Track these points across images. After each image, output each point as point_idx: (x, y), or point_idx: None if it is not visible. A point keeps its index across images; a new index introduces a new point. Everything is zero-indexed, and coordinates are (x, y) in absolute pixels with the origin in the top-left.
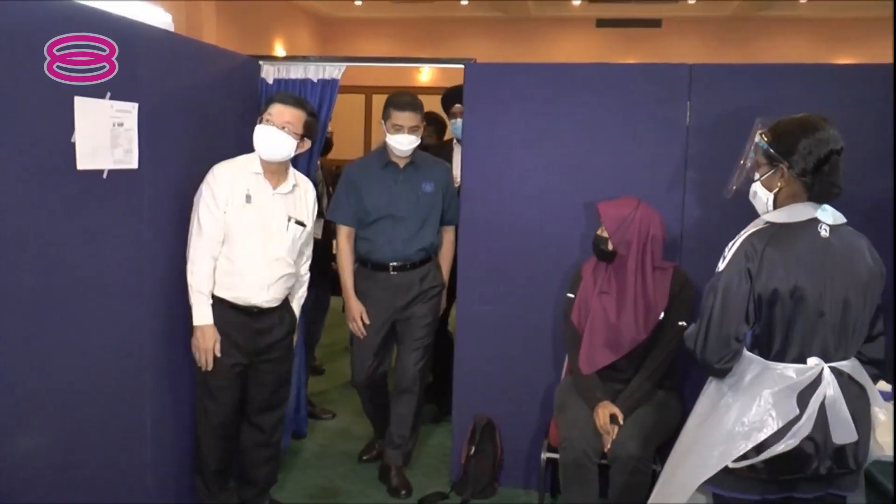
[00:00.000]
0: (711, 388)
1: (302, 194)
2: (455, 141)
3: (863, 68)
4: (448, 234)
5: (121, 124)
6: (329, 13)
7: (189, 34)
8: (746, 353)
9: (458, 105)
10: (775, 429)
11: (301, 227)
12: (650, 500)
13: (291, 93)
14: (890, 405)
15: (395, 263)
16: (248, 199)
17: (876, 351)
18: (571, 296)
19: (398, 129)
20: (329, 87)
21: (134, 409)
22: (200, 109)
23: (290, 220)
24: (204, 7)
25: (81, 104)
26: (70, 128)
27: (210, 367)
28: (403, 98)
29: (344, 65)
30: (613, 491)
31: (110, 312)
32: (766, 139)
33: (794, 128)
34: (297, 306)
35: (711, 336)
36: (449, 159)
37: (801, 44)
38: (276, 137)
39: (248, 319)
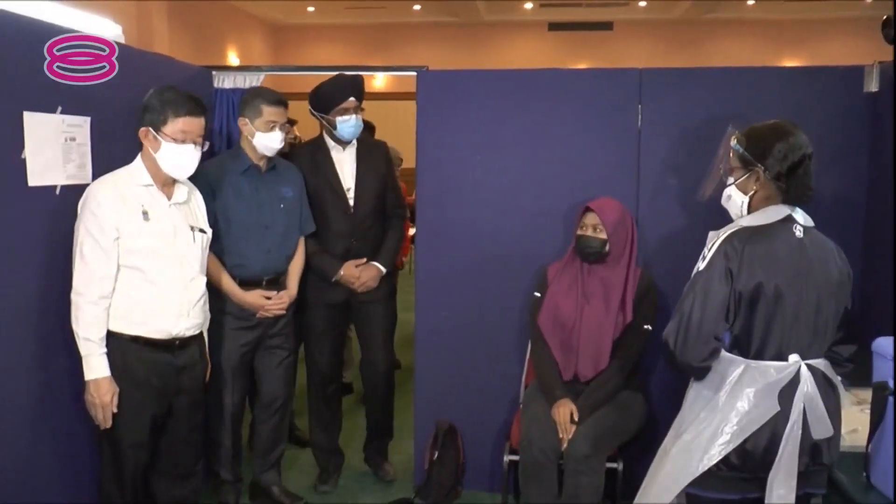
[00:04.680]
0: (692, 391)
1: (196, 201)
2: (334, 142)
3: (808, 71)
4: (300, 245)
5: (73, 139)
6: (282, 20)
7: (140, 44)
8: (726, 354)
9: (351, 100)
10: (760, 424)
11: (204, 235)
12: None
13: (194, 96)
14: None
15: (267, 277)
16: (146, 215)
17: (848, 350)
18: (538, 295)
19: (272, 125)
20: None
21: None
22: None
23: (193, 230)
24: (155, 17)
25: (31, 119)
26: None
27: (108, 425)
28: (274, 93)
29: (263, 74)
30: (566, 491)
31: (67, 327)
32: (741, 143)
33: (768, 132)
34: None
35: (691, 335)
36: (325, 162)
37: (748, 45)
38: (191, 156)
39: (169, 356)
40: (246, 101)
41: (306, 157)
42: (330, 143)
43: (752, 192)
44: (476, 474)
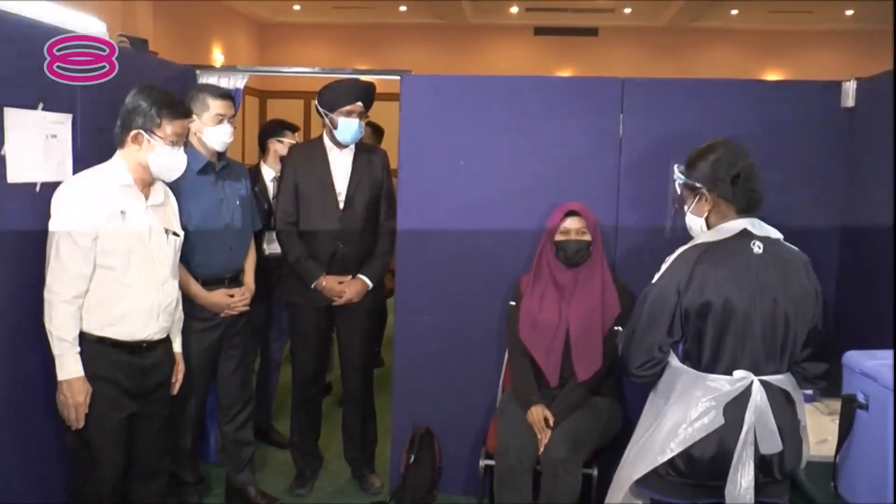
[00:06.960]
0: (649, 401)
1: (171, 203)
2: (333, 143)
3: (786, 85)
4: (251, 241)
5: (54, 136)
6: (268, 18)
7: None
8: (679, 364)
9: (359, 104)
10: (702, 436)
11: (177, 238)
12: None
13: (178, 98)
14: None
15: (229, 275)
16: (123, 215)
17: (818, 368)
18: (513, 304)
19: (220, 119)
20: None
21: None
22: None
23: (167, 232)
24: (140, 13)
25: (12, 115)
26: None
27: (81, 425)
28: (219, 87)
29: (248, 74)
30: (543, 494)
31: (41, 326)
32: (683, 173)
33: (701, 153)
34: (180, 340)
35: (636, 342)
36: (320, 162)
37: (733, 54)
38: (183, 159)
39: (136, 358)
40: (191, 96)
41: (303, 156)
42: (328, 144)
43: (707, 213)
44: (452, 478)
